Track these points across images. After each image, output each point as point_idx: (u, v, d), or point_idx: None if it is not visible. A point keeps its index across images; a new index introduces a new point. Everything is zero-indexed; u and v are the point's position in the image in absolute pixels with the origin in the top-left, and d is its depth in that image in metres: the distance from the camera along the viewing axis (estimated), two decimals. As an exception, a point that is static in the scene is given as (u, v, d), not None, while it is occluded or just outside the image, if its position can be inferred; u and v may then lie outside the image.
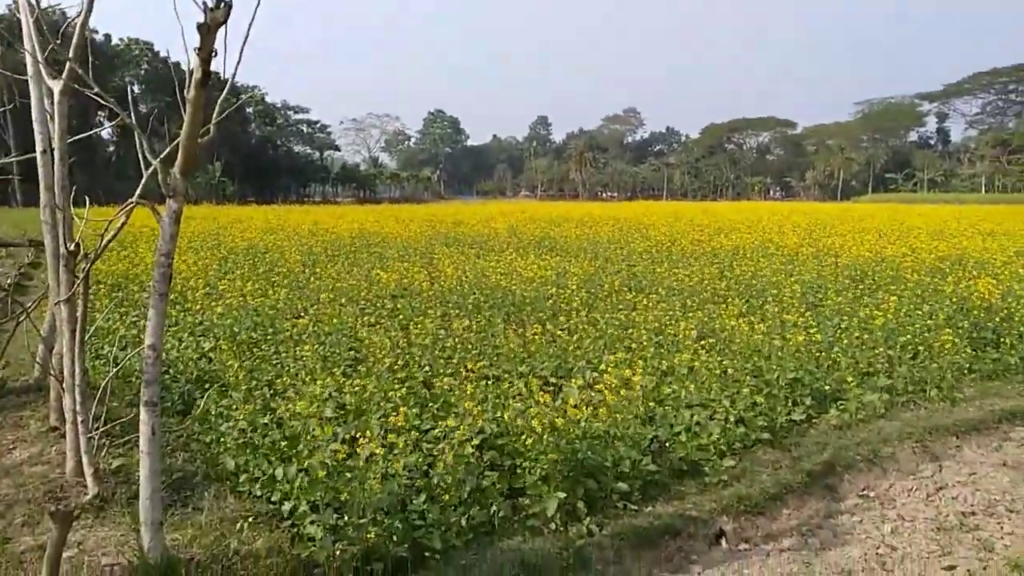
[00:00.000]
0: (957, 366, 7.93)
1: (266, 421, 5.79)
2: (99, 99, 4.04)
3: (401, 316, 9.31)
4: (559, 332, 7.86)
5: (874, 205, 52.07)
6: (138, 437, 3.84)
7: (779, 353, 7.28)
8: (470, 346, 7.87)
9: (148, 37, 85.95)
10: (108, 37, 74.89)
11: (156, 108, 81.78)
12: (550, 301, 10.25)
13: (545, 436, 5.00)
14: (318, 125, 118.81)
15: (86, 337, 5.54)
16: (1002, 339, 8.98)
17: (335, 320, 8.38)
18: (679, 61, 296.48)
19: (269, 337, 8.51)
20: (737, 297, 10.53)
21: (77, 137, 5.67)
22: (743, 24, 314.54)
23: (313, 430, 5.26)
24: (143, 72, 79.51)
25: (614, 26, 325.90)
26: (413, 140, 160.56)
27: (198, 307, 9.65)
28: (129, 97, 77.72)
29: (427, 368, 7.31)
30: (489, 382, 6.41)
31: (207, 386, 7.03)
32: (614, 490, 5.04)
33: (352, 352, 7.88)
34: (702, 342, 7.67)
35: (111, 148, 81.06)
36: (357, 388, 6.17)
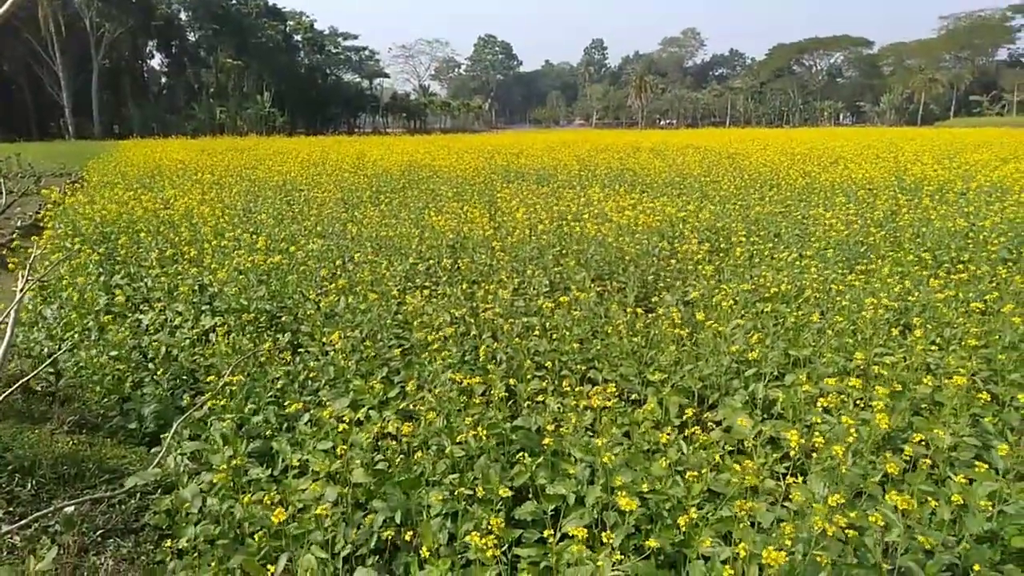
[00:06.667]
0: None
1: (258, 475, 3.63)
2: None
3: (463, 282, 6.97)
4: (700, 315, 5.34)
5: (975, 130, 46.72)
6: None
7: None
8: (566, 331, 5.53)
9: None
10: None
11: (203, 36, 79.62)
12: (656, 259, 7.78)
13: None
14: (367, 52, 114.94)
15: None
16: None
17: (372, 295, 6.06)
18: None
19: (288, 309, 6.38)
20: (913, 254, 7.60)
21: None
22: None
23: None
24: (189, -1, 76.89)
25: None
26: (464, 67, 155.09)
27: (207, 262, 7.53)
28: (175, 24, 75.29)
29: (505, 367, 5.04)
30: (593, 389, 4.08)
31: (195, 392, 4.94)
32: None
33: (399, 341, 5.63)
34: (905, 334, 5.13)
35: (163, 80, 79.32)
36: (406, 412, 3.96)
